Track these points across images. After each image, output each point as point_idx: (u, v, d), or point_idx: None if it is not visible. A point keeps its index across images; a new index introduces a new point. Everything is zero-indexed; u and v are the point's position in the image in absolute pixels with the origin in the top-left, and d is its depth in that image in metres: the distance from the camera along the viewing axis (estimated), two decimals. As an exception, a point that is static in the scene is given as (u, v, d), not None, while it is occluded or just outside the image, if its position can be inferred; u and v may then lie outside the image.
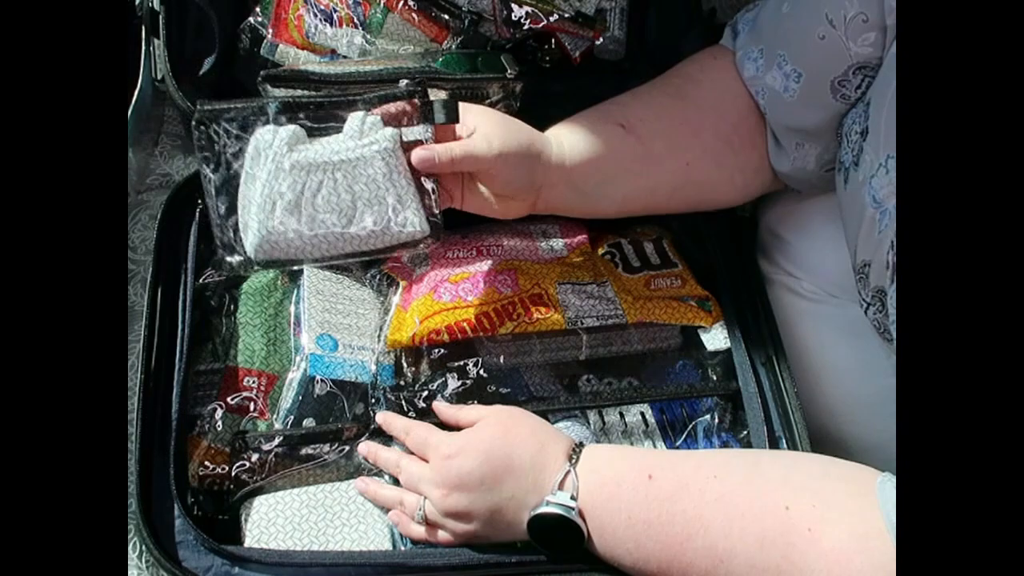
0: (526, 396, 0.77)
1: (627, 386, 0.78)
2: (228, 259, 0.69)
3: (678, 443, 0.76)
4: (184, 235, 0.80)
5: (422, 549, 0.69)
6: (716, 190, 0.82)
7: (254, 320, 0.78)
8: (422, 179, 0.69)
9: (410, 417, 0.73)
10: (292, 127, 0.67)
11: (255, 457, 0.72)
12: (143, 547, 0.68)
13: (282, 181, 0.66)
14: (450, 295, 0.77)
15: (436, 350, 0.75)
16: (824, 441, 0.78)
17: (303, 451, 0.73)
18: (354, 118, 0.68)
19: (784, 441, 0.74)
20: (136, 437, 0.70)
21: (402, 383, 0.76)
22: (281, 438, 0.72)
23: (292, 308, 0.80)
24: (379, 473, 0.73)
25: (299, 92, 0.78)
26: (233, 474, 0.71)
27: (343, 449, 0.73)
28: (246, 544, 0.69)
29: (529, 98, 0.85)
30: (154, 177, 0.93)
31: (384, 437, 0.74)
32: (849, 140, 0.73)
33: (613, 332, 0.78)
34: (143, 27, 0.85)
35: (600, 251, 0.85)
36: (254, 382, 0.75)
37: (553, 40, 0.90)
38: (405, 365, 0.76)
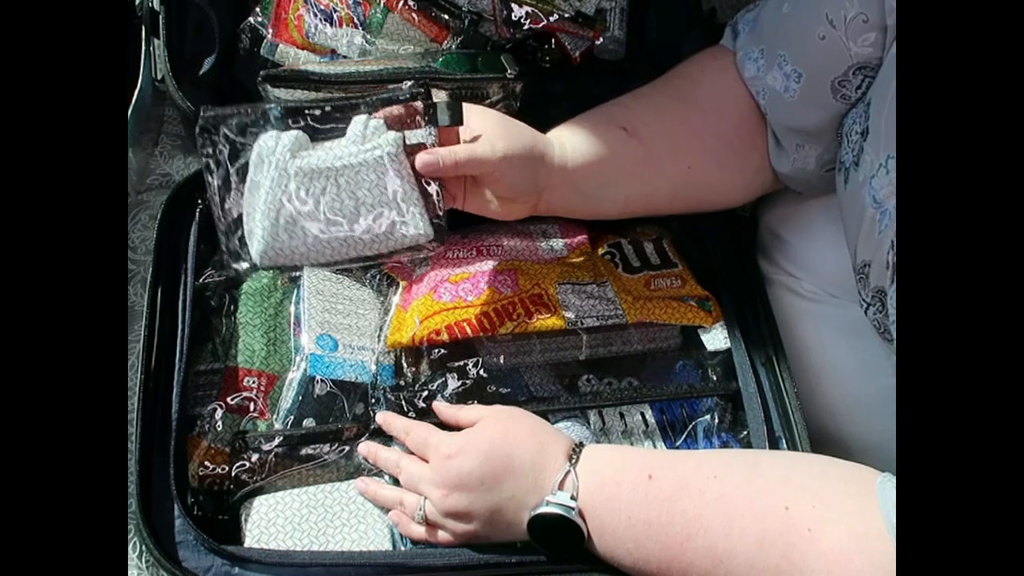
0: (526, 396, 0.77)
1: (627, 386, 0.78)
2: (234, 266, 0.69)
3: (678, 443, 0.76)
4: (184, 235, 0.80)
5: (422, 549, 0.69)
6: (717, 191, 0.82)
7: (254, 320, 0.78)
8: (425, 181, 0.69)
9: (410, 417, 0.73)
10: (295, 133, 0.67)
11: (255, 457, 0.72)
12: (143, 547, 0.68)
13: (286, 187, 0.66)
14: (450, 295, 0.77)
15: (436, 350, 0.75)
16: (824, 441, 0.78)
17: (303, 451, 0.73)
18: (357, 122, 0.68)
19: (784, 441, 0.74)
20: (136, 437, 0.70)
21: (402, 383, 0.76)
22: (281, 438, 0.72)
23: (292, 308, 0.80)
24: (379, 473, 0.73)
25: (299, 92, 0.78)
26: (233, 474, 0.71)
27: (343, 449, 0.73)
28: (246, 544, 0.69)
29: (529, 98, 0.85)
30: (154, 177, 0.93)
31: (384, 437, 0.74)
32: (849, 140, 0.73)
33: (613, 332, 0.78)
34: (143, 27, 0.85)
35: (600, 251, 0.85)
36: (254, 382, 0.75)
37: (553, 40, 0.90)
38: (405, 365, 0.76)
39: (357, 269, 0.83)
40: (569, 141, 0.75)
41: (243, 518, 0.70)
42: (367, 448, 0.73)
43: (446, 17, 0.86)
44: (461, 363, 0.75)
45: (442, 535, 0.68)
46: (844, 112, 0.75)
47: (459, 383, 0.75)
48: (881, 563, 0.54)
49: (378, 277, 0.83)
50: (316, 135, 0.68)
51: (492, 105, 0.82)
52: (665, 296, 0.80)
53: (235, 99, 0.86)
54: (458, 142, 0.70)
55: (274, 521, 0.70)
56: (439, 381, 0.75)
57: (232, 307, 0.79)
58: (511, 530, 0.66)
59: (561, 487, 0.64)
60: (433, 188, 0.69)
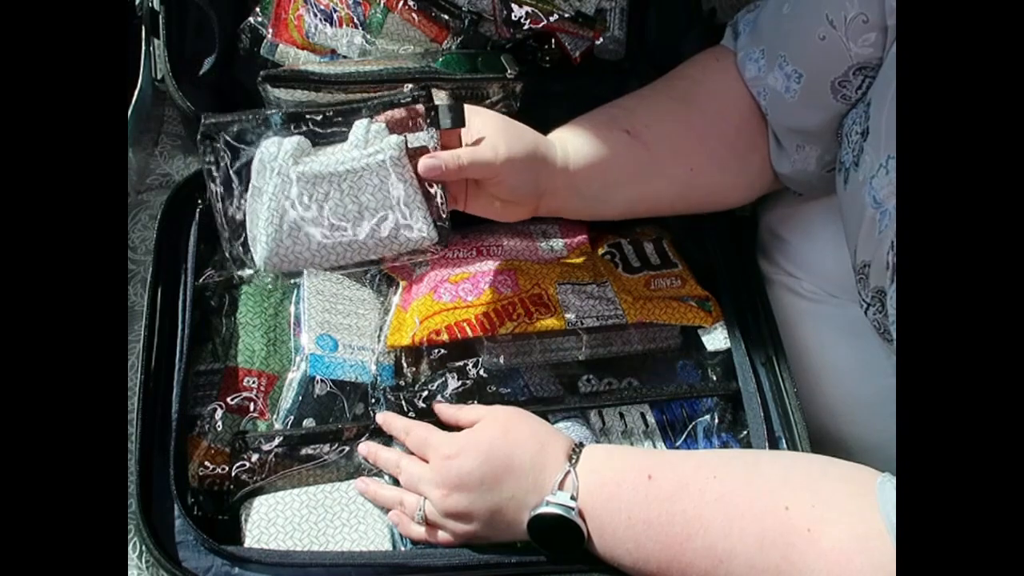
0: (526, 396, 0.77)
1: (627, 386, 0.78)
2: (238, 273, 0.69)
3: (678, 443, 0.76)
4: (184, 235, 0.80)
5: (422, 549, 0.69)
6: (719, 193, 0.82)
7: (254, 320, 0.78)
8: (428, 184, 0.69)
9: (410, 417, 0.73)
10: (296, 138, 0.67)
11: (255, 457, 0.72)
12: (143, 547, 0.68)
13: (288, 193, 0.66)
14: (450, 295, 0.77)
15: (436, 350, 0.75)
16: (824, 441, 0.78)
17: (303, 451, 0.73)
18: (359, 126, 0.68)
19: (784, 441, 0.74)
20: (136, 437, 0.70)
21: (402, 383, 0.76)
22: (281, 438, 0.72)
23: (292, 308, 0.80)
24: (379, 473, 0.73)
25: (299, 92, 0.78)
26: (233, 474, 0.71)
27: (343, 449, 0.73)
28: (246, 544, 0.69)
29: (529, 98, 0.85)
30: (154, 177, 0.93)
31: (384, 437, 0.74)
32: (849, 140, 0.73)
33: (613, 332, 0.78)
34: (143, 27, 0.85)
35: (600, 251, 0.85)
36: (254, 382, 0.75)
37: (553, 40, 0.90)
38: (405, 365, 0.76)
39: (357, 269, 0.83)
40: (571, 143, 0.75)
41: (243, 518, 0.70)
42: (367, 448, 0.73)
43: (446, 17, 0.86)
44: (461, 363, 0.75)
45: (442, 535, 0.68)
46: (844, 112, 0.75)
47: (459, 383, 0.75)
48: (881, 563, 0.54)
49: (378, 277, 0.83)
50: (318, 140, 0.68)
51: (492, 105, 0.82)
52: (665, 296, 0.80)
53: (235, 99, 0.86)
54: (460, 144, 0.70)
55: (274, 521, 0.70)
56: (439, 381, 0.75)
57: (232, 307, 0.79)
58: (511, 530, 0.66)
59: (561, 487, 0.64)
60: (436, 191, 0.69)
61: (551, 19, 0.87)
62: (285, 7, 0.86)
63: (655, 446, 0.76)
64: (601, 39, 0.91)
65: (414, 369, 0.76)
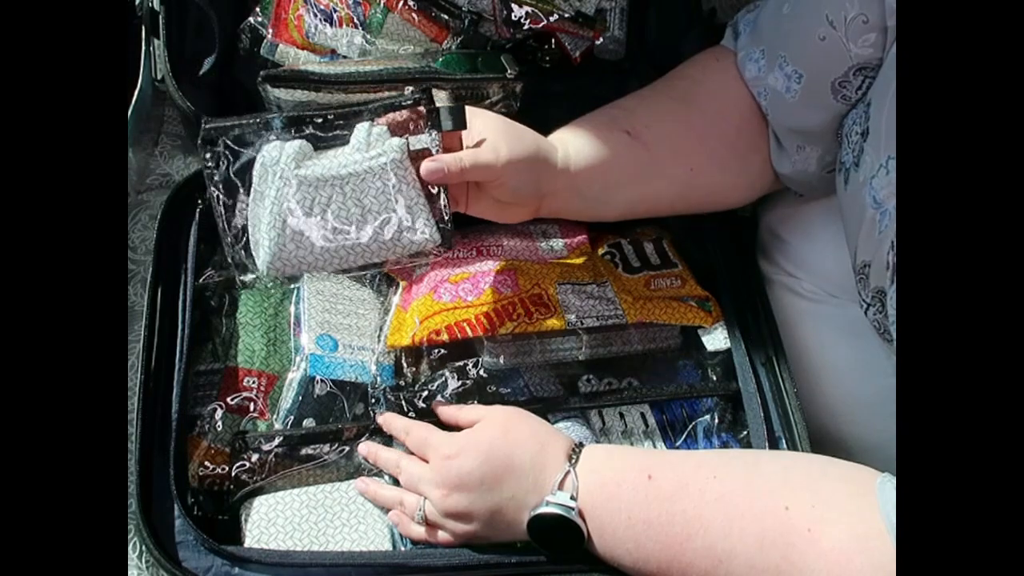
0: (526, 396, 0.77)
1: (627, 386, 0.78)
2: (241, 277, 0.69)
3: (678, 443, 0.76)
4: (184, 235, 0.80)
5: (422, 549, 0.69)
6: (719, 193, 0.82)
7: (254, 320, 0.78)
8: (430, 186, 0.69)
9: (410, 417, 0.73)
10: (298, 142, 0.67)
11: (255, 457, 0.72)
12: (143, 547, 0.68)
13: (291, 198, 0.66)
14: (450, 295, 0.77)
15: (436, 350, 0.75)
16: (824, 441, 0.78)
17: (303, 451, 0.73)
18: (360, 129, 0.68)
19: (784, 441, 0.74)
20: (136, 437, 0.70)
21: (402, 383, 0.76)
22: (281, 438, 0.72)
23: (292, 308, 0.80)
24: (379, 473, 0.73)
25: (299, 92, 0.78)
26: (233, 474, 0.71)
27: (343, 449, 0.73)
28: (246, 544, 0.69)
29: (529, 98, 0.84)
30: (154, 177, 0.93)
31: (384, 437, 0.74)
32: (850, 141, 0.73)
33: (613, 332, 0.78)
34: (143, 27, 0.85)
35: (600, 251, 0.85)
36: (254, 382, 0.75)
37: (553, 40, 0.90)
38: (405, 365, 0.76)
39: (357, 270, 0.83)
40: (572, 145, 0.75)
41: (243, 518, 0.70)
42: (367, 448, 0.73)
43: (446, 17, 0.86)
44: (461, 363, 0.75)
45: (442, 535, 0.68)
46: (844, 113, 0.75)
47: (459, 383, 0.75)
48: (881, 563, 0.54)
49: (378, 277, 0.83)
50: (319, 144, 0.68)
51: (492, 105, 0.82)
52: (665, 296, 0.80)
53: (235, 99, 0.86)
54: (461, 147, 0.70)
55: (274, 521, 0.70)
56: (439, 381, 0.75)
57: (232, 307, 0.79)
58: (511, 530, 0.66)
59: (561, 487, 0.64)
60: (439, 193, 0.69)
61: (551, 19, 0.87)
62: (285, 7, 0.86)
63: (655, 446, 0.76)
64: (601, 39, 0.91)
65: (414, 369, 0.76)
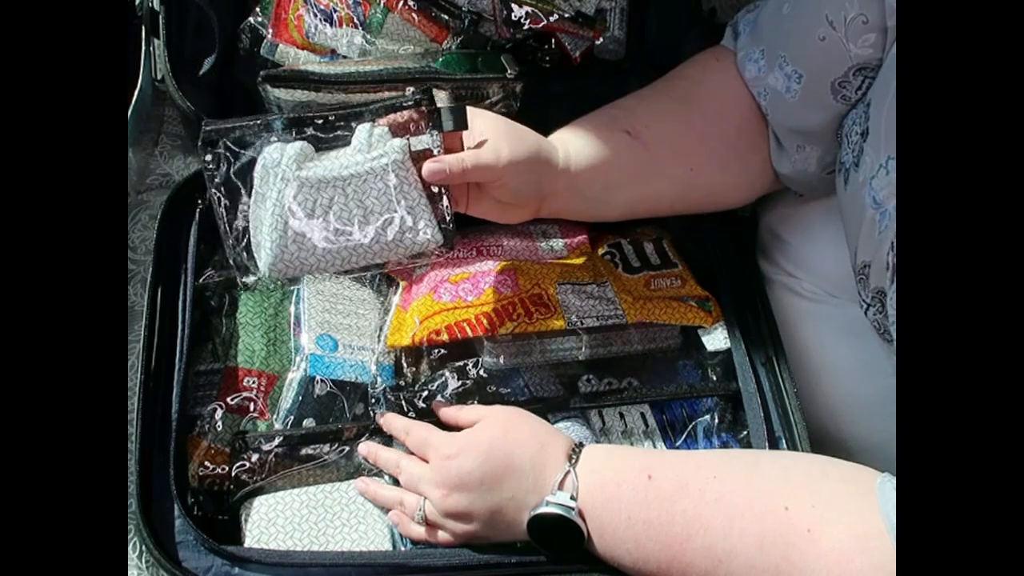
0: (526, 396, 0.77)
1: (627, 386, 0.78)
2: (242, 279, 0.69)
3: (678, 443, 0.76)
4: (184, 235, 0.80)
5: (422, 549, 0.69)
6: (719, 193, 0.82)
7: (254, 320, 0.78)
8: (432, 187, 0.68)
9: (410, 417, 0.73)
10: (299, 144, 0.67)
11: (255, 457, 0.72)
12: (143, 547, 0.68)
13: (292, 199, 0.66)
14: (450, 295, 0.77)
15: (436, 350, 0.75)
16: (824, 441, 0.78)
17: (303, 451, 0.73)
18: (361, 130, 0.68)
19: (784, 441, 0.74)
20: (136, 437, 0.70)
21: (402, 383, 0.76)
22: (281, 438, 0.72)
23: (292, 308, 0.80)
24: (379, 473, 0.73)
25: (300, 93, 0.78)
26: (233, 474, 0.71)
27: (343, 449, 0.73)
28: (246, 544, 0.69)
29: (529, 98, 0.84)
30: (154, 177, 0.93)
31: (384, 437, 0.74)
32: (849, 141, 0.73)
33: (613, 332, 0.78)
34: (143, 27, 0.85)
35: (600, 251, 0.85)
36: (254, 382, 0.75)
37: (553, 40, 0.90)
38: (405, 365, 0.76)
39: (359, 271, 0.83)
40: (572, 145, 0.75)
41: (243, 518, 0.70)
42: (367, 448, 0.73)
43: (446, 17, 0.86)
44: (461, 363, 0.75)
45: (442, 535, 0.68)
46: (844, 113, 0.75)
47: (459, 383, 0.75)
48: (881, 563, 0.54)
49: (378, 277, 0.83)
50: (320, 145, 0.68)
51: (492, 105, 0.82)
52: (665, 296, 0.80)
53: (235, 99, 0.86)
54: (462, 147, 0.70)
55: (274, 521, 0.70)
56: (439, 381, 0.75)
57: (232, 307, 0.79)
58: (511, 530, 0.66)
59: (561, 487, 0.64)
60: (441, 193, 0.69)
61: (551, 19, 0.87)
62: (285, 7, 0.86)
63: (655, 446, 0.76)
64: (601, 39, 0.91)
65: (414, 369, 0.76)
